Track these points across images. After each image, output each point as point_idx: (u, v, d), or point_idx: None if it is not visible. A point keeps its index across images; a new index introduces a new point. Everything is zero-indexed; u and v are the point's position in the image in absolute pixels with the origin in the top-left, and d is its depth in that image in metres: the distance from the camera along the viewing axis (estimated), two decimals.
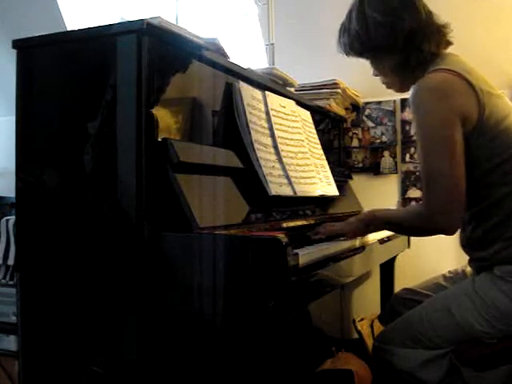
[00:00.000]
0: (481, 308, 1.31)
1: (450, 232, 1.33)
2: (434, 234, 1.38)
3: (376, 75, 1.54)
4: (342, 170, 2.44)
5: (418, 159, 1.36)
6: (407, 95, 2.51)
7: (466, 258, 1.53)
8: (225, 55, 1.52)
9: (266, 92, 1.68)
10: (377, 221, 1.49)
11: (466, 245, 1.46)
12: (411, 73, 1.44)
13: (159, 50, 1.25)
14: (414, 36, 1.39)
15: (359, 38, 1.44)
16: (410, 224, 1.41)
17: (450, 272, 1.67)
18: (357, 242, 1.55)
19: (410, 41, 1.39)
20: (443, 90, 1.32)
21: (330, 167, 2.01)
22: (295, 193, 1.60)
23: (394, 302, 1.70)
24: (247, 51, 2.82)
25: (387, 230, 1.66)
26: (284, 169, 1.61)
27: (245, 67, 1.66)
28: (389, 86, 1.55)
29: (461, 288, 1.42)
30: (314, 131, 2.01)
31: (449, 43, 1.45)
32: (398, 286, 2.16)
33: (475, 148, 1.32)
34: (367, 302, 2.51)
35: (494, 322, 1.31)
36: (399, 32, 1.39)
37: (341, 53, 1.53)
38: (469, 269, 1.59)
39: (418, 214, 1.36)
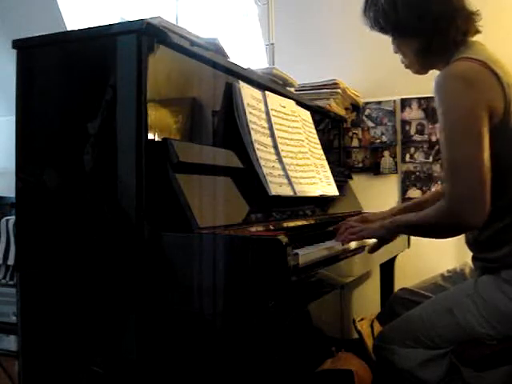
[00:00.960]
0: (482, 309, 1.31)
1: (475, 224, 1.25)
2: (459, 231, 1.33)
3: (396, 52, 1.50)
4: (342, 170, 2.44)
5: (442, 150, 1.29)
6: (407, 95, 2.56)
7: (466, 257, 1.53)
8: (225, 55, 1.52)
9: (266, 92, 1.68)
10: (397, 225, 1.42)
11: (473, 244, 1.43)
12: (432, 57, 1.41)
13: (159, 50, 1.25)
14: (442, 20, 1.35)
15: (385, 15, 1.40)
16: (429, 225, 1.33)
17: (448, 271, 1.66)
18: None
19: (437, 25, 1.35)
20: (470, 79, 1.27)
21: (330, 167, 2.01)
22: (295, 193, 1.60)
23: (393, 302, 1.70)
24: (247, 51, 2.82)
25: (408, 233, 1.63)
26: (284, 169, 1.61)
27: (245, 67, 1.66)
28: (407, 66, 1.51)
29: (462, 289, 1.41)
30: (314, 131, 2.01)
31: (477, 31, 1.40)
32: (398, 285, 2.16)
33: (498, 144, 1.27)
34: (367, 302, 2.50)
35: (496, 324, 1.30)
36: (427, 14, 1.35)
37: (365, 24, 1.49)
38: (468, 268, 1.59)
39: (440, 210, 1.29)
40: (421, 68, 1.48)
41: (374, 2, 1.43)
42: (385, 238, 1.46)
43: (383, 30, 1.44)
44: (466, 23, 1.37)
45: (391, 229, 1.41)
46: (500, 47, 1.43)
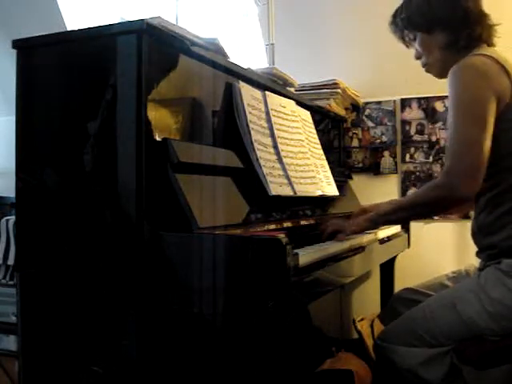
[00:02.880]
0: (485, 303, 1.32)
1: (468, 199, 1.34)
2: (450, 206, 1.42)
3: (417, 57, 1.59)
4: (342, 170, 2.44)
5: (449, 130, 1.38)
6: (407, 95, 2.56)
7: (467, 258, 1.53)
8: (225, 55, 1.52)
9: (266, 92, 1.68)
10: (380, 215, 1.49)
11: (477, 231, 1.48)
12: (456, 54, 1.48)
13: (159, 50, 1.25)
14: (471, 15, 1.47)
15: (419, 10, 1.51)
16: (425, 199, 1.40)
17: (453, 272, 1.67)
18: (357, 241, 1.55)
19: (467, 18, 1.47)
20: (483, 70, 1.38)
21: (330, 167, 2.01)
22: (295, 193, 1.60)
23: (395, 302, 1.70)
24: (247, 51, 2.82)
25: (397, 220, 1.65)
26: (284, 169, 1.61)
27: (245, 67, 1.66)
28: (428, 69, 1.60)
29: (465, 285, 1.43)
30: (314, 131, 2.01)
31: (493, 44, 1.52)
32: (398, 285, 2.16)
33: (500, 130, 1.36)
34: (367, 302, 2.50)
35: (498, 318, 1.31)
36: (459, 7, 1.47)
37: (394, 33, 1.61)
38: (472, 269, 1.59)
39: (436, 185, 1.38)
40: (443, 66, 1.52)
41: (406, 4, 1.56)
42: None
43: (417, 27, 1.54)
44: (489, 30, 1.50)
45: (377, 220, 1.49)
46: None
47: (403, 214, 1.50)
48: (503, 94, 1.37)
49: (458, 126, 1.36)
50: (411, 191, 2.56)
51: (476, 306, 1.33)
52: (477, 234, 1.48)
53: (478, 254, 1.50)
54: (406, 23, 1.55)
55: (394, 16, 1.59)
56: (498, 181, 1.40)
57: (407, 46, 1.62)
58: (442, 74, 1.56)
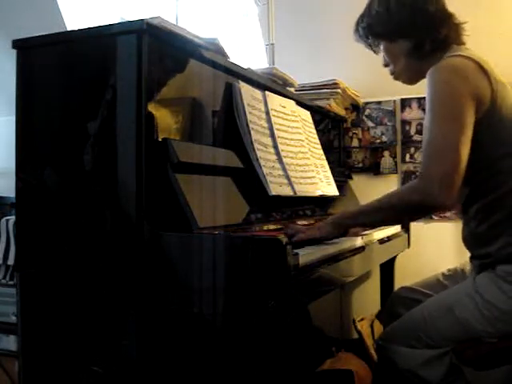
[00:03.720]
0: (482, 307, 1.32)
1: (444, 207, 1.30)
2: (425, 212, 1.36)
3: (385, 65, 1.55)
4: (341, 169, 2.44)
5: (424, 132, 1.33)
6: (407, 95, 2.56)
7: (466, 257, 1.53)
8: (225, 55, 1.52)
9: (266, 92, 1.68)
10: (347, 217, 1.41)
11: (470, 240, 1.45)
12: (424, 59, 1.44)
13: (159, 50, 1.25)
14: (434, 18, 1.42)
15: (380, 19, 1.47)
16: (396, 202, 1.33)
17: (449, 270, 1.66)
18: (357, 242, 1.55)
19: (429, 23, 1.42)
20: (462, 70, 1.33)
21: (330, 167, 2.01)
22: (295, 193, 1.60)
23: (393, 301, 1.70)
24: (247, 51, 2.82)
25: (365, 223, 1.50)
26: (284, 169, 1.61)
27: (245, 67, 1.65)
28: (396, 77, 1.55)
29: (462, 287, 1.42)
30: (314, 131, 2.01)
31: (463, 42, 1.46)
32: (398, 285, 2.16)
33: (484, 134, 1.31)
34: (367, 302, 2.50)
35: (494, 321, 1.31)
36: (419, 12, 1.42)
37: (357, 41, 1.56)
38: (468, 267, 1.59)
39: (412, 188, 1.32)
40: (412, 73, 1.51)
41: (366, 13, 1.52)
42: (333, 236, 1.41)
43: (377, 35, 1.50)
44: (456, 30, 1.44)
45: (341, 223, 1.40)
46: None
47: (373, 217, 1.40)
48: (482, 96, 1.31)
49: (433, 127, 1.30)
50: None
51: (472, 310, 1.33)
52: (469, 242, 1.45)
53: (471, 260, 1.49)
54: (367, 32, 1.51)
55: (357, 24, 1.55)
56: (491, 187, 1.35)
57: (375, 53, 1.57)
58: (410, 81, 1.54)
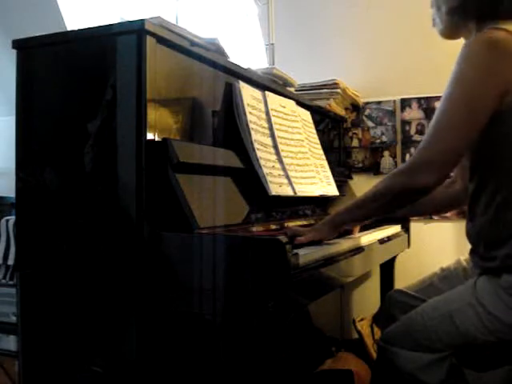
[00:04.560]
0: (484, 319, 1.27)
1: (426, 188, 1.23)
2: (409, 195, 1.29)
3: (431, 6, 1.46)
4: (342, 170, 2.44)
5: (438, 108, 1.26)
6: (407, 95, 2.56)
7: (466, 256, 1.52)
8: (225, 55, 1.52)
9: (266, 92, 1.68)
10: (341, 213, 1.39)
11: (475, 237, 1.38)
12: (463, 21, 1.37)
13: (159, 50, 1.25)
14: None
15: None
16: (383, 189, 1.30)
17: (442, 270, 1.64)
18: (357, 242, 1.55)
19: None
20: (503, 51, 1.21)
21: (330, 167, 2.01)
22: (295, 193, 1.60)
23: (388, 304, 1.68)
24: (247, 51, 2.82)
25: (359, 216, 1.45)
26: (284, 169, 1.61)
27: (245, 67, 1.66)
28: (433, 24, 1.46)
29: (462, 294, 1.36)
30: (314, 131, 2.01)
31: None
32: (398, 286, 2.16)
33: (509, 126, 1.23)
34: (367, 302, 2.50)
35: (496, 332, 1.29)
36: None
37: None
38: (461, 268, 1.57)
39: (397, 171, 1.30)
40: (447, 29, 1.43)
41: None
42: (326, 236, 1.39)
43: None
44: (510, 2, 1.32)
45: (335, 220, 1.38)
46: None
47: (366, 209, 1.36)
48: None
49: (444, 104, 1.24)
50: None
51: (474, 321, 1.29)
52: (474, 239, 1.39)
53: (472, 256, 1.42)
54: None
55: None
56: (504, 185, 1.27)
57: None
58: (444, 35, 1.45)
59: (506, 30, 1.24)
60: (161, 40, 1.25)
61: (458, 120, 1.22)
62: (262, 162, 1.49)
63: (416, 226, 2.29)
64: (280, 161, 1.61)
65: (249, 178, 1.46)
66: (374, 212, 1.42)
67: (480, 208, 1.34)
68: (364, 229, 1.79)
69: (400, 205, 1.40)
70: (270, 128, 1.64)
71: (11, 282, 1.92)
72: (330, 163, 2.02)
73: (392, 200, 1.33)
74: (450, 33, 1.44)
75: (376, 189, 1.33)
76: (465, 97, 1.23)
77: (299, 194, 1.62)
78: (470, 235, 1.40)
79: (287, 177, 1.60)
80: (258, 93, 1.64)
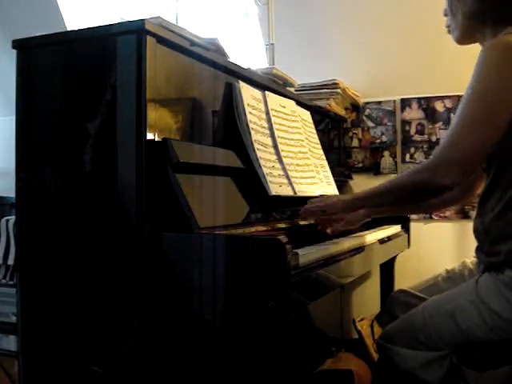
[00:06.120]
0: (485, 315, 1.28)
1: (446, 187, 1.25)
2: (429, 192, 1.31)
3: (445, 15, 1.48)
4: (342, 170, 2.44)
5: (459, 108, 1.27)
6: (407, 95, 2.56)
7: (467, 258, 1.52)
8: (225, 55, 1.52)
9: (266, 92, 1.68)
10: (359, 198, 1.44)
11: (482, 233, 1.39)
12: (480, 25, 1.38)
13: (159, 50, 1.25)
14: None
15: None
16: (404, 181, 1.33)
17: (447, 271, 1.65)
18: (357, 242, 1.55)
19: None
20: None
21: (330, 167, 2.01)
22: (295, 193, 1.60)
23: (391, 304, 1.68)
24: (247, 51, 2.82)
25: (376, 204, 1.53)
26: (284, 169, 1.61)
27: (245, 67, 1.66)
28: (449, 31, 1.48)
29: (464, 292, 1.37)
30: (314, 131, 2.01)
31: None
32: (398, 286, 2.16)
33: None
34: (367, 302, 2.51)
35: (497, 330, 1.29)
36: None
37: None
38: (467, 270, 1.58)
39: (421, 167, 1.31)
40: (463, 35, 1.44)
41: None
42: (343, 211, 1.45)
43: None
44: None
45: (353, 203, 1.44)
46: None
47: (384, 198, 1.40)
48: None
49: (466, 106, 1.25)
50: None
51: (476, 318, 1.29)
52: (481, 235, 1.40)
53: (477, 253, 1.43)
54: None
55: None
56: None
57: None
58: (459, 41, 1.46)
59: None
60: (161, 40, 1.26)
61: (480, 123, 1.23)
62: (261, 162, 1.49)
63: (416, 226, 2.29)
64: (280, 161, 1.61)
65: (249, 178, 1.46)
66: (392, 202, 1.49)
67: (490, 205, 1.35)
68: (364, 229, 1.79)
69: (418, 199, 1.45)
70: (270, 128, 1.64)
71: (11, 282, 1.92)
72: (329, 163, 2.02)
73: (411, 194, 1.36)
74: (465, 38, 1.45)
75: (398, 181, 1.37)
76: (485, 100, 1.24)
77: (299, 194, 1.62)
78: (478, 231, 1.40)
79: (287, 177, 1.60)
80: (257, 93, 1.64)
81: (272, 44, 2.40)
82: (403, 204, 1.51)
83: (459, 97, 2.31)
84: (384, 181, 1.38)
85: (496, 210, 1.33)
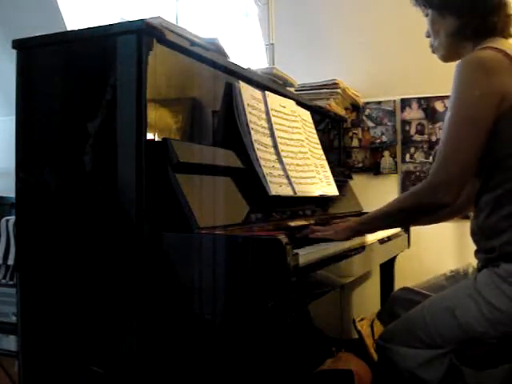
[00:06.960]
0: (483, 308, 1.30)
1: (447, 205, 1.32)
2: (433, 211, 1.40)
3: (427, 36, 1.54)
4: (342, 170, 2.44)
5: (443, 129, 1.35)
6: (407, 95, 2.56)
7: (467, 258, 1.52)
8: (225, 55, 1.52)
9: (266, 92, 1.68)
10: (363, 223, 1.50)
11: (478, 233, 1.43)
12: (463, 40, 1.44)
13: (159, 50, 1.25)
14: (486, 4, 1.40)
15: None
16: (406, 205, 1.39)
17: (451, 271, 1.66)
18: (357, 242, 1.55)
19: (481, 7, 1.40)
20: (489, 67, 1.31)
21: (330, 167, 2.01)
22: (295, 193, 1.60)
23: (393, 302, 1.69)
24: (247, 51, 2.82)
25: (379, 227, 1.62)
26: (284, 169, 1.61)
27: (245, 67, 1.66)
28: (433, 50, 1.54)
29: (462, 288, 1.40)
30: (314, 131, 2.01)
31: (510, 35, 1.44)
32: (398, 286, 2.16)
33: (505, 128, 1.31)
34: (367, 302, 2.50)
35: (496, 324, 1.30)
36: None
37: (414, 5, 1.55)
38: (471, 269, 1.58)
39: (418, 189, 1.37)
40: (448, 52, 1.50)
41: None
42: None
43: (430, 5, 1.48)
44: (505, 21, 1.42)
45: (358, 229, 1.50)
46: None
47: (386, 221, 1.49)
48: (507, 93, 1.29)
49: (450, 129, 1.32)
50: None
51: (474, 312, 1.31)
52: (477, 235, 1.44)
53: (476, 254, 1.47)
54: None
55: None
56: (504, 180, 1.35)
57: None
58: (445, 59, 1.52)
59: (492, 47, 1.34)
60: (161, 40, 1.26)
61: (465, 141, 1.30)
62: (261, 162, 1.49)
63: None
64: (280, 161, 1.61)
65: (249, 177, 1.46)
66: (397, 224, 1.63)
67: (483, 205, 1.40)
68: None
69: (421, 218, 1.55)
70: (270, 128, 1.64)
71: (11, 282, 1.92)
72: (329, 163, 2.02)
73: (414, 215, 1.47)
74: (450, 55, 1.50)
75: (399, 204, 1.43)
76: (466, 118, 1.31)
77: (299, 194, 1.62)
78: (474, 232, 1.45)
79: (287, 177, 1.60)
80: (257, 93, 1.64)
81: (272, 44, 2.40)
82: (407, 224, 1.59)
83: None
84: (382, 206, 1.44)
85: (488, 208, 1.38)
